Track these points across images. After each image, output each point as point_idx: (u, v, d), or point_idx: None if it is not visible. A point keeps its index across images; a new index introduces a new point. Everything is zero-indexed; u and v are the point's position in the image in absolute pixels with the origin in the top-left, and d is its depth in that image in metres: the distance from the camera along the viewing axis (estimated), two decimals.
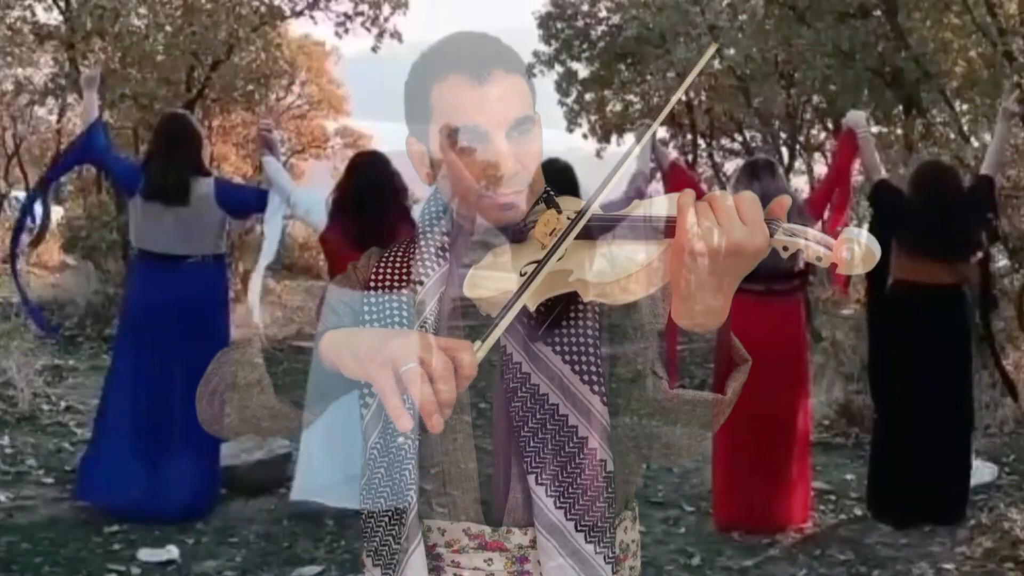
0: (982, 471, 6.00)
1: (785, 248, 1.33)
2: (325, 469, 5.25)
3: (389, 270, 1.70)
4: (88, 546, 5.03)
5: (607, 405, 1.59)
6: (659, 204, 1.49)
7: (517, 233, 1.60)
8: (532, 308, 1.50)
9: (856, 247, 1.29)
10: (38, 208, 15.83)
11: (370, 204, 5.18)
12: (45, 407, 7.61)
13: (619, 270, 1.42)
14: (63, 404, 7.73)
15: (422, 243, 1.70)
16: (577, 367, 1.59)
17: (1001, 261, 8.15)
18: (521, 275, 1.49)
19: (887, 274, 5.37)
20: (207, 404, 1.56)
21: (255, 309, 6.08)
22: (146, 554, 4.92)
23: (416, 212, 5.24)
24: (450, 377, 1.25)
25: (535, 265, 1.46)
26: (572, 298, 1.58)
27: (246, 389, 1.49)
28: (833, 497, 5.99)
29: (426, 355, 1.26)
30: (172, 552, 4.95)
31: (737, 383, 1.43)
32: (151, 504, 5.27)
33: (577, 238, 1.47)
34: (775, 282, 5.24)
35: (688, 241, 1.31)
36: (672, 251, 1.34)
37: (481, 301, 1.56)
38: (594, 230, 1.47)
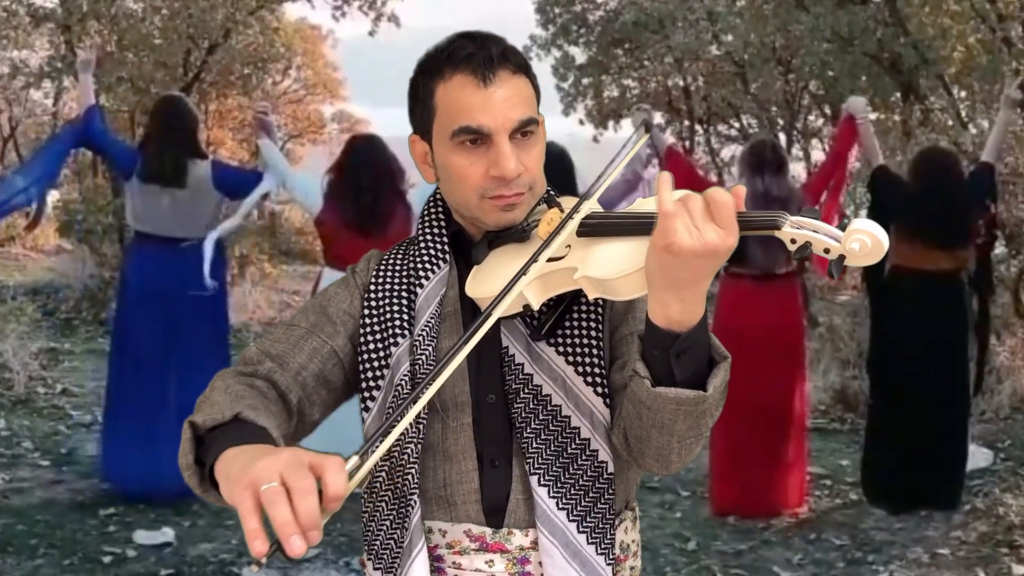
0: (977, 456, 6.01)
1: (793, 241, 1.32)
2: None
3: (389, 273, 1.69)
4: (84, 528, 5.03)
5: (609, 407, 1.59)
6: None
7: (520, 233, 1.60)
8: (536, 307, 1.49)
9: (865, 238, 1.27)
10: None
11: (366, 186, 5.17)
12: (41, 390, 7.61)
13: (624, 267, 1.41)
14: (59, 387, 7.72)
15: (422, 244, 1.69)
16: (580, 368, 1.59)
17: (998, 248, 8.15)
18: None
19: (885, 260, 5.35)
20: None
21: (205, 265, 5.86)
22: (142, 536, 4.92)
23: (412, 196, 5.25)
24: (311, 496, 1.18)
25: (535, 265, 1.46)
26: (576, 298, 1.58)
27: (183, 469, 1.47)
28: (829, 482, 6.00)
29: (289, 474, 1.19)
30: (168, 534, 4.95)
31: (718, 380, 1.40)
32: (148, 486, 5.27)
33: (581, 235, 1.46)
34: (772, 267, 5.24)
35: (663, 239, 1.30)
36: (649, 249, 1.34)
37: (483, 301, 1.56)
38: (598, 227, 1.47)
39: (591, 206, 1.48)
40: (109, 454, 5.47)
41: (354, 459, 1.26)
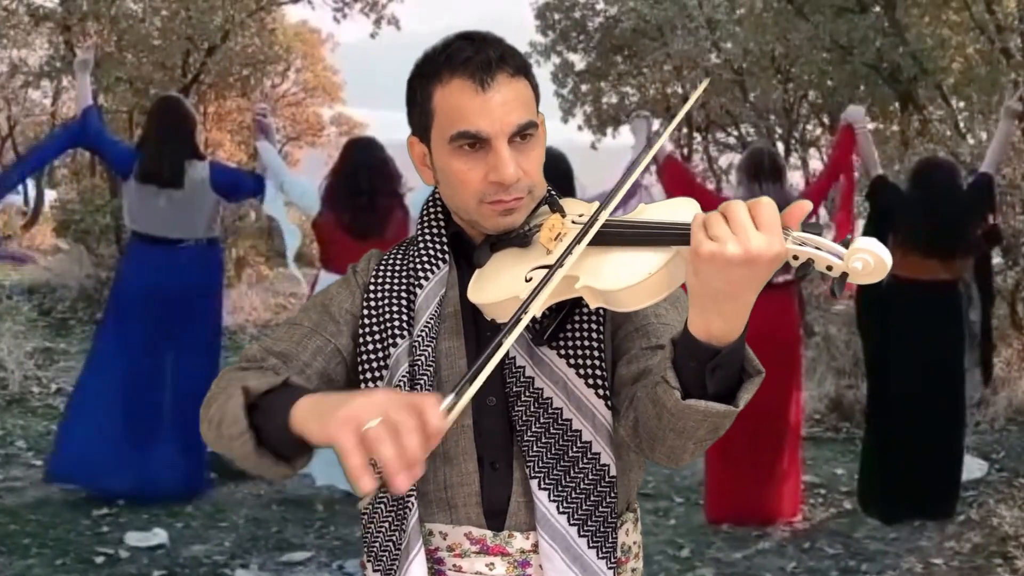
0: (972, 467, 6.00)
1: (795, 257, 1.29)
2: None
3: (388, 273, 1.68)
4: (76, 528, 5.02)
5: (611, 409, 1.58)
6: (666, 209, 1.47)
7: (522, 237, 1.58)
8: (538, 313, 1.46)
9: (868, 257, 1.25)
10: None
11: (363, 189, 5.16)
12: (35, 389, 7.59)
13: (627, 279, 1.39)
14: (53, 387, 7.71)
15: (421, 244, 1.68)
16: (582, 371, 1.58)
17: (994, 259, 8.15)
18: (527, 280, 1.47)
19: None
20: (206, 430, 1.53)
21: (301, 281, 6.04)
22: (134, 538, 4.91)
23: (410, 199, 5.25)
24: (415, 434, 1.20)
25: (541, 270, 1.44)
26: (578, 302, 1.56)
27: (230, 440, 1.45)
28: (823, 491, 5.99)
29: (391, 412, 1.21)
30: (160, 536, 4.94)
31: (748, 394, 1.38)
32: (140, 487, 5.26)
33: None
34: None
35: (700, 246, 1.26)
36: (688, 261, 1.30)
37: (485, 306, 1.54)
38: (602, 236, 1.44)
39: (603, 220, 1.45)
40: (66, 453, 5.38)
41: (449, 397, 1.27)
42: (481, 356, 1.33)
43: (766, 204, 1.27)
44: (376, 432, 1.20)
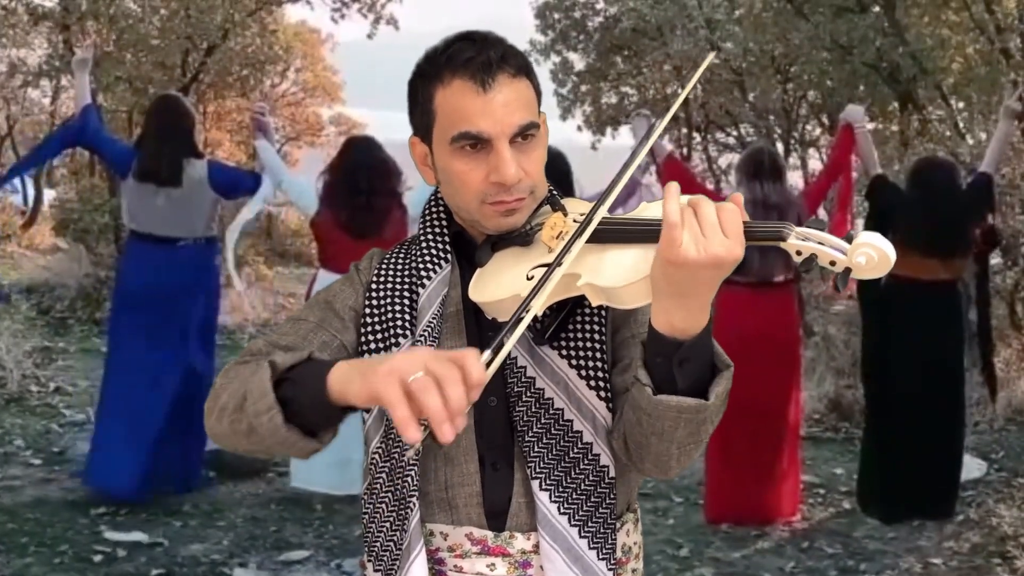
0: (971, 467, 6.00)
1: (799, 253, 1.31)
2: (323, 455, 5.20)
3: (391, 272, 1.68)
4: (74, 527, 5.01)
5: (612, 411, 1.58)
6: None
7: (523, 236, 1.58)
8: (539, 312, 1.47)
9: (872, 252, 1.26)
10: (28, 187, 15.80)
11: (362, 189, 5.16)
12: (34, 388, 7.58)
13: (629, 276, 1.40)
14: (52, 386, 7.70)
15: (423, 243, 1.68)
16: (583, 372, 1.58)
17: (993, 259, 8.14)
18: (528, 279, 1.47)
19: None
20: (216, 421, 1.51)
21: (233, 276, 6.04)
22: (133, 536, 4.90)
23: (408, 199, 5.24)
24: (459, 384, 1.23)
25: (543, 268, 1.44)
26: (579, 301, 1.56)
27: (255, 416, 1.42)
28: (822, 491, 5.99)
29: (433, 364, 1.24)
30: (158, 534, 4.93)
31: (720, 388, 1.40)
32: (138, 485, 5.25)
33: (586, 242, 1.45)
34: (769, 276, 5.23)
35: (669, 250, 1.30)
36: (654, 259, 1.33)
37: (486, 304, 1.54)
38: (603, 233, 1.45)
39: (601, 214, 1.46)
40: (99, 459, 5.42)
41: (487, 352, 1.29)
42: (512, 316, 1.35)
43: (731, 210, 1.31)
44: (421, 383, 1.23)
